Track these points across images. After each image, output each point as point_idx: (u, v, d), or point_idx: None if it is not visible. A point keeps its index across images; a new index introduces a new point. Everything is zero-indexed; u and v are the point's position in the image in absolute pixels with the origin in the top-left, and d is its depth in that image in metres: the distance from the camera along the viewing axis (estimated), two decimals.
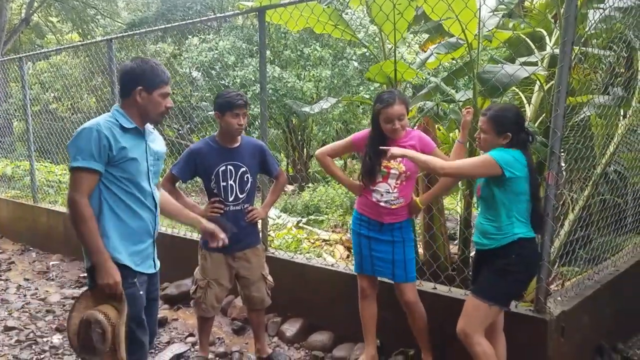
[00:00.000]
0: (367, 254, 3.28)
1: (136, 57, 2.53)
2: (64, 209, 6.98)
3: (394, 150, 2.84)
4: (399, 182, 3.16)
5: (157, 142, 2.68)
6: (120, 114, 2.48)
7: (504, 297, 2.78)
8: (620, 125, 4.23)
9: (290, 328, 4.08)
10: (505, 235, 2.72)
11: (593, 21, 3.44)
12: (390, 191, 3.16)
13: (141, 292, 2.53)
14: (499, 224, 2.73)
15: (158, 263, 2.70)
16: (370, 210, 3.24)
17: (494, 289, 2.74)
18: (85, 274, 2.58)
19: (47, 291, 5.42)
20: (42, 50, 9.17)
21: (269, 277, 3.60)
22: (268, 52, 10.65)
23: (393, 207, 3.17)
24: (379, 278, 3.39)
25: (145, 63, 2.47)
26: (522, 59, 3.64)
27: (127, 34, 6.71)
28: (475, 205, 3.03)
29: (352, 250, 5.82)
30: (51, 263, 6.45)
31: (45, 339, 4.23)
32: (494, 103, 3.34)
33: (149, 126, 2.62)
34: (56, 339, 4.24)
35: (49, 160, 8.87)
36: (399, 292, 3.26)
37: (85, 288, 2.60)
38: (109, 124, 2.41)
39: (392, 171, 3.13)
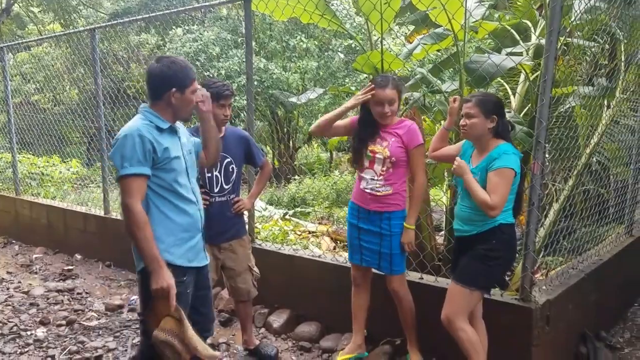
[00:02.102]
0: (357, 243, 3.28)
1: (161, 57, 2.53)
2: (46, 201, 6.90)
3: (458, 161, 2.79)
4: (384, 168, 3.11)
5: (185, 135, 2.70)
6: (154, 115, 2.49)
7: (485, 282, 2.83)
8: (604, 116, 4.27)
9: (278, 319, 4.08)
10: (486, 221, 2.76)
11: (578, 12, 3.45)
12: (375, 178, 3.14)
13: (188, 291, 2.59)
14: (482, 210, 2.74)
15: (208, 254, 2.78)
16: (359, 197, 3.24)
17: (475, 275, 2.78)
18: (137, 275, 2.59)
19: (30, 284, 5.35)
20: (24, 40, 9.03)
21: (255, 269, 3.58)
22: (253, 44, 10.59)
23: (379, 194, 3.14)
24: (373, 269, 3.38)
25: (174, 63, 2.47)
26: (508, 49, 3.66)
27: (110, 23, 6.62)
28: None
29: (338, 242, 5.87)
30: (34, 256, 6.37)
31: (29, 332, 4.18)
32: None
33: (178, 122, 2.64)
34: (40, 332, 4.19)
35: (30, 153, 8.75)
36: (386, 281, 3.27)
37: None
38: (147, 127, 2.42)
39: (378, 156, 3.11)
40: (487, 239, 2.76)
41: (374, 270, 3.36)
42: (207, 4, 4.74)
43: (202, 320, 2.79)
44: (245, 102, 4.76)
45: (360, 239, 3.26)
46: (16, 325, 4.30)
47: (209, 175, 3.35)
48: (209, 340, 3.92)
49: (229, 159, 3.39)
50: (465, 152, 2.96)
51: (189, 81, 2.50)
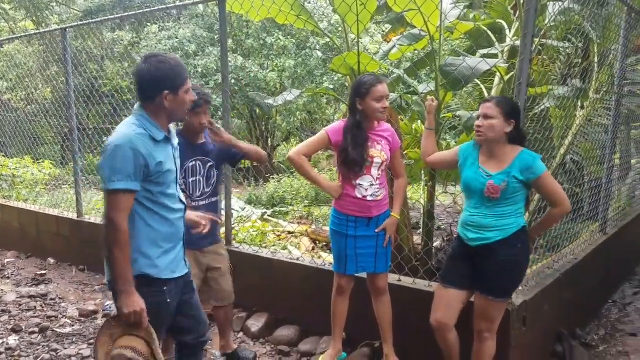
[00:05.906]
0: (353, 253, 3.19)
1: (149, 56, 2.32)
2: (18, 204, 6.74)
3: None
4: (380, 172, 3.12)
5: (175, 138, 2.53)
6: (149, 123, 2.32)
7: (515, 288, 2.87)
8: (578, 116, 4.31)
9: (256, 323, 4.04)
10: (511, 225, 2.70)
11: (552, 14, 3.47)
12: (374, 183, 3.10)
13: (169, 300, 2.44)
14: (509, 214, 2.70)
15: (188, 260, 2.65)
16: (356, 208, 3.13)
17: (510, 286, 2.79)
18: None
19: (2, 290, 5.22)
20: None
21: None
22: (230, 42, 10.47)
23: (379, 198, 3.15)
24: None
25: (163, 63, 2.27)
26: (483, 51, 3.67)
27: (82, 23, 6.48)
28: (461, 200, 2.99)
29: (317, 243, 5.84)
30: (6, 260, 6.23)
31: (0, 341, 4.08)
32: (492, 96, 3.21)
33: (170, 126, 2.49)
34: (12, 340, 4.09)
35: (2, 153, 8.55)
36: (373, 280, 3.25)
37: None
38: (141, 139, 2.25)
39: (376, 160, 3.07)
40: (512, 243, 2.70)
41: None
42: (181, 3, 4.67)
43: (195, 324, 2.68)
44: (221, 101, 4.70)
45: (357, 247, 3.18)
46: None
47: (193, 179, 3.32)
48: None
49: (211, 163, 3.38)
50: (467, 158, 2.85)
51: (182, 80, 2.32)
